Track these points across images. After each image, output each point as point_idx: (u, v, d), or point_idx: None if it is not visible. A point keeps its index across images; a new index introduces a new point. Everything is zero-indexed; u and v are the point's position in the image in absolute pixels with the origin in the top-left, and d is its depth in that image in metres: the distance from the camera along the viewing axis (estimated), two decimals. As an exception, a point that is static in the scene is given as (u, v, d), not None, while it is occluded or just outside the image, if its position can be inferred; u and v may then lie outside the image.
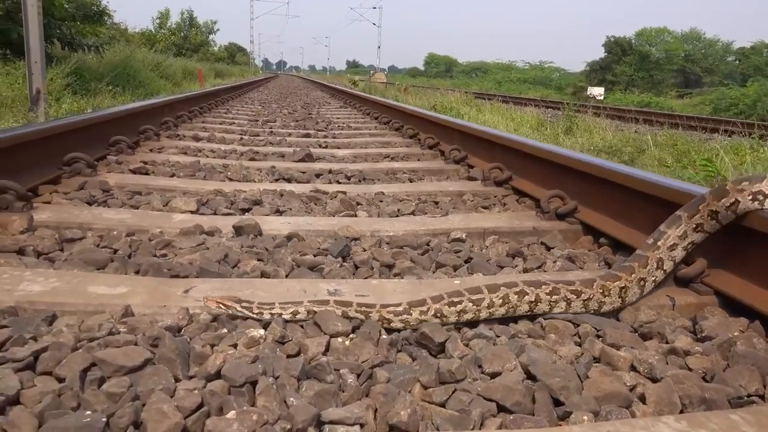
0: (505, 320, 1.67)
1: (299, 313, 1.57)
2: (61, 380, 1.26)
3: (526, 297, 1.64)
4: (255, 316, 1.56)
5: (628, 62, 56.34)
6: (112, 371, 1.29)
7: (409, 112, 6.90)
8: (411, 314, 1.57)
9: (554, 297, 1.66)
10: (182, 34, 50.82)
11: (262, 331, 1.46)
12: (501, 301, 1.62)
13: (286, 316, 1.57)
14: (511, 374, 1.34)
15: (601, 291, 1.69)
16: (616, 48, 57.84)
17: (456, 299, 1.60)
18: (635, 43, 58.30)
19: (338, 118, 8.44)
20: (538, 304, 1.65)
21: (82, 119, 3.72)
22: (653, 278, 1.78)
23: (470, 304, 1.60)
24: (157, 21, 49.51)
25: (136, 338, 1.42)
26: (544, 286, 1.66)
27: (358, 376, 1.33)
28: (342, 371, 1.32)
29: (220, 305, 1.56)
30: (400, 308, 1.57)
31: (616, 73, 55.69)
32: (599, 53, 60.11)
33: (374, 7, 64.22)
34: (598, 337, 1.57)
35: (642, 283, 1.75)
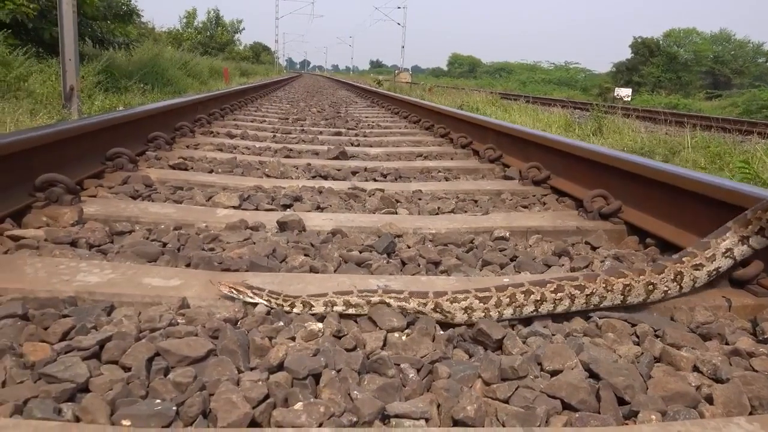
0: (558, 318, 1.66)
1: (295, 306, 1.59)
2: (127, 369, 1.28)
3: (532, 296, 1.61)
4: (264, 303, 1.60)
5: (656, 63, 55.59)
6: (176, 361, 1.30)
7: (439, 111, 6.88)
8: (409, 303, 1.58)
9: (558, 294, 1.62)
10: (208, 33, 51.28)
11: (320, 325, 1.47)
12: (508, 300, 1.60)
13: (287, 308, 1.60)
14: (573, 372, 1.33)
15: (603, 286, 1.66)
16: (644, 49, 57.10)
17: (461, 295, 1.59)
18: (663, 44, 57.48)
19: (367, 117, 8.46)
20: (543, 303, 1.62)
21: (122, 115, 3.78)
22: (665, 288, 1.72)
23: (477, 300, 1.59)
24: (184, 20, 50.07)
25: (196, 329, 1.44)
26: (549, 285, 1.63)
27: (418, 371, 1.33)
28: (402, 366, 1.32)
29: (232, 290, 1.61)
30: (402, 296, 1.59)
31: (643, 75, 54.98)
32: (626, 54, 59.29)
33: (399, 7, 64.25)
34: (657, 336, 1.54)
35: (650, 287, 1.70)
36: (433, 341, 1.45)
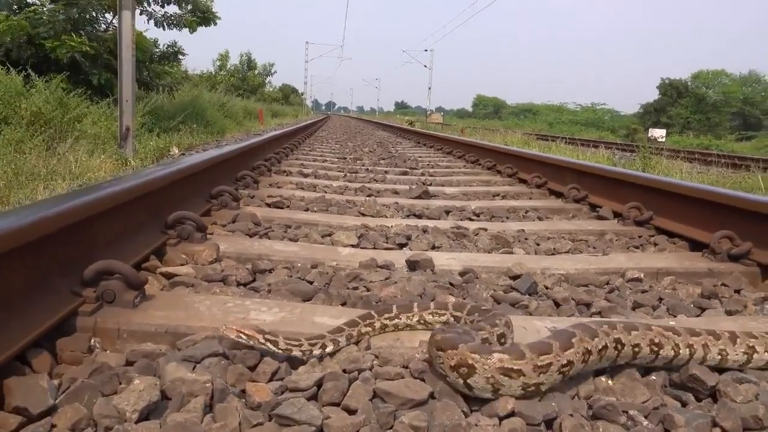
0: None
1: (327, 346, 1.48)
2: (351, 412, 1.24)
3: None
4: (281, 351, 1.43)
5: (684, 104, 55.42)
6: (399, 404, 1.26)
7: (499, 151, 6.89)
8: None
9: None
10: (240, 76, 52.50)
11: (528, 368, 1.42)
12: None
13: (317, 352, 1.47)
14: (812, 422, 1.26)
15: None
16: (671, 90, 57.04)
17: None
18: (691, 86, 57.39)
19: (421, 157, 8.49)
20: None
21: (217, 155, 3.83)
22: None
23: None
24: (218, 63, 51.39)
25: (401, 371, 1.40)
26: None
27: (646, 416, 1.27)
28: (631, 413, 1.27)
29: (240, 334, 1.42)
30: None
31: (672, 116, 54.77)
32: (653, 95, 59.36)
33: (426, 50, 65.36)
34: None
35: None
36: (645, 386, 1.39)
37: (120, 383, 1.28)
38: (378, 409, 1.24)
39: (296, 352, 1.44)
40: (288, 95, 73.66)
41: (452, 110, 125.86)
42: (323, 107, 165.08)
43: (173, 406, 1.22)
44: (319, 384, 1.31)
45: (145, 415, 1.18)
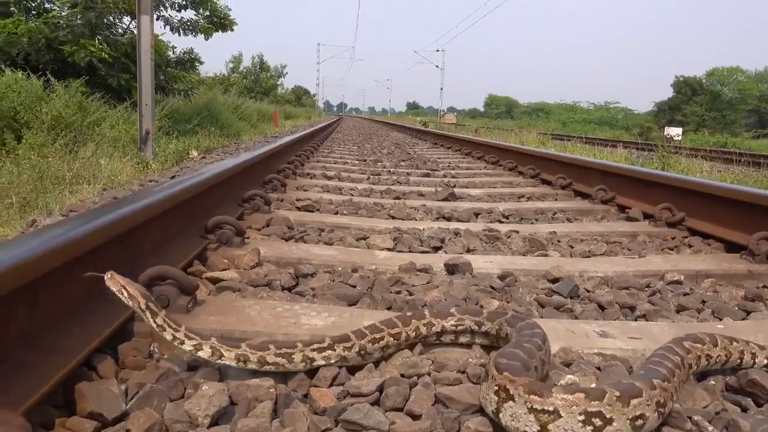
0: None
1: (201, 350, 1.35)
2: (415, 417, 1.25)
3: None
4: (154, 325, 1.34)
5: (699, 102, 55.02)
6: (462, 409, 1.27)
7: (519, 151, 6.88)
8: (335, 350, 1.42)
9: None
10: (253, 78, 52.71)
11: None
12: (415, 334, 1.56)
13: (188, 348, 1.35)
14: None
15: None
16: (686, 88, 56.68)
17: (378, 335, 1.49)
18: (706, 83, 56.96)
19: (440, 159, 8.49)
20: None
21: (244, 161, 3.84)
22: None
23: (391, 339, 1.51)
24: (231, 65, 51.65)
25: (459, 376, 1.41)
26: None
27: (710, 422, 1.27)
28: (696, 418, 1.27)
29: (123, 290, 1.33)
30: (325, 344, 1.42)
31: (686, 114, 54.41)
32: (667, 93, 59.03)
33: (437, 50, 65.39)
34: None
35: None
36: (706, 392, 1.39)
37: (185, 389, 1.30)
38: (442, 415, 1.25)
39: (167, 335, 1.34)
40: (300, 97, 73.97)
41: (464, 110, 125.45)
42: (335, 108, 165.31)
43: (240, 411, 1.23)
44: (380, 389, 1.32)
45: (216, 420, 1.20)
